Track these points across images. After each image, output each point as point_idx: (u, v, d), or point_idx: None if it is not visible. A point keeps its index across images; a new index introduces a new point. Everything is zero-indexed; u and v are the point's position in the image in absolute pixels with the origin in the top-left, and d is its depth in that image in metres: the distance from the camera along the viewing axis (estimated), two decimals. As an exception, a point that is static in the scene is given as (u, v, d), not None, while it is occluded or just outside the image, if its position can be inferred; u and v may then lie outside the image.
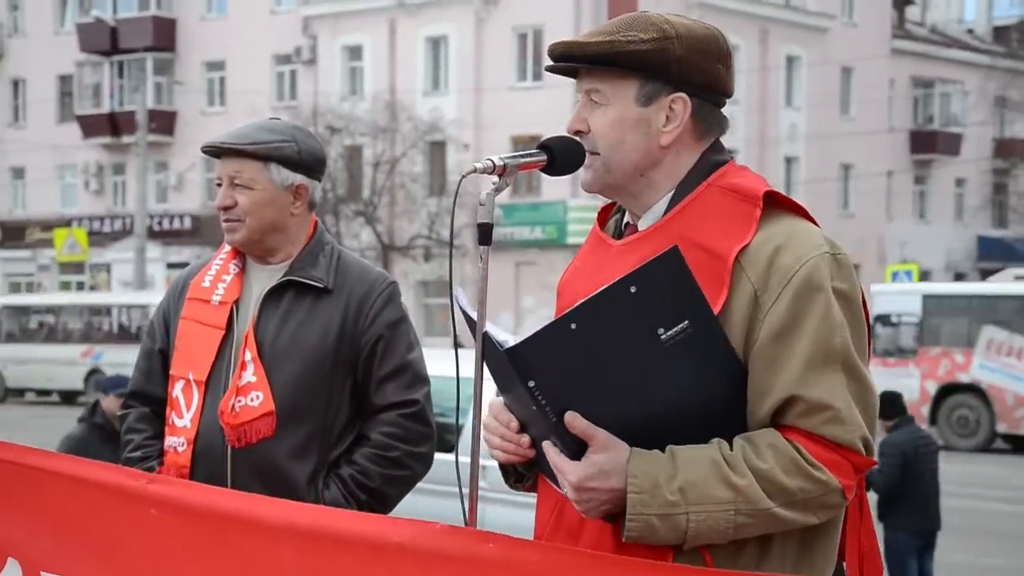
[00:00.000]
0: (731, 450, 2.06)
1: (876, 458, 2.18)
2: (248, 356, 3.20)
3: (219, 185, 3.31)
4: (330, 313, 3.24)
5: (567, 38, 2.29)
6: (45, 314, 29.53)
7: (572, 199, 32.48)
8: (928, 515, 8.04)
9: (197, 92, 39.98)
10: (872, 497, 7.92)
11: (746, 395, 2.10)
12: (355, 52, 37.74)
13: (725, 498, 2.03)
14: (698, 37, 2.22)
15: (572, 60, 2.23)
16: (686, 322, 2.03)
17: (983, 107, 42.56)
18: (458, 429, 2.57)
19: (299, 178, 3.28)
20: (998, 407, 19.69)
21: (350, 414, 3.26)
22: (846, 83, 40.35)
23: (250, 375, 3.19)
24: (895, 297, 21.23)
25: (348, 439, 3.26)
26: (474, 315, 2.17)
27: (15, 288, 43.06)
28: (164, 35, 40.38)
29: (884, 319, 20.45)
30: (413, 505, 3.76)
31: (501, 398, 2.24)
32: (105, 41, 40.69)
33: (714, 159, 2.26)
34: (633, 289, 2.00)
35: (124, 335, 27.31)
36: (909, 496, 7.91)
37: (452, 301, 2.33)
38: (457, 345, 2.35)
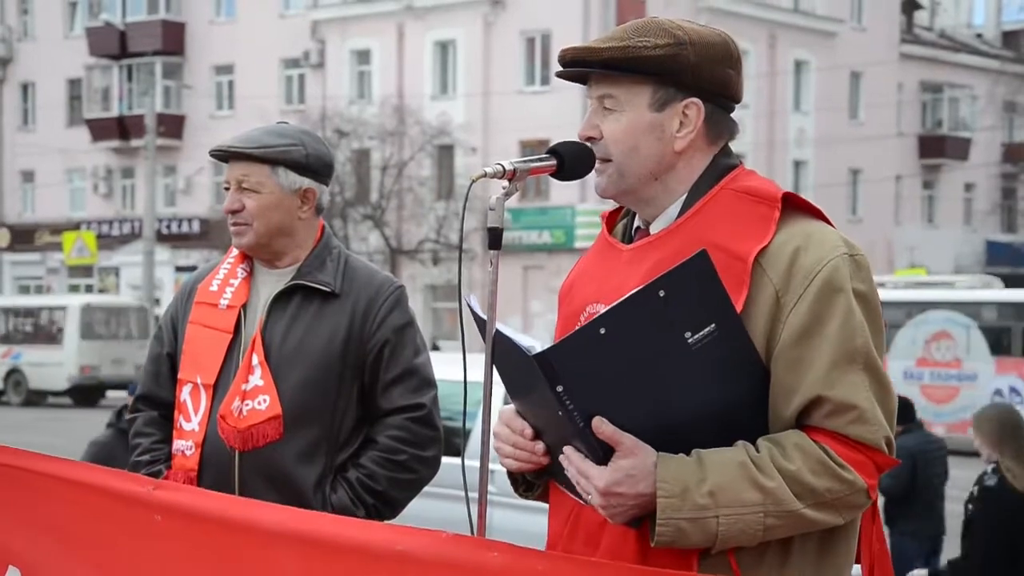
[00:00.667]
0: (757, 452, 2.06)
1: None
2: (256, 360, 3.20)
3: (227, 189, 3.31)
4: (337, 317, 3.24)
5: (577, 43, 2.29)
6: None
7: (580, 203, 32.46)
8: (935, 520, 8.03)
9: (206, 96, 40.03)
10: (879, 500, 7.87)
11: (767, 397, 2.11)
12: (363, 56, 37.78)
13: (755, 500, 2.03)
14: (710, 43, 2.23)
15: (586, 66, 2.24)
16: (712, 325, 2.04)
17: (992, 112, 42.49)
18: (465, 433, 2.57)
19: (307, 182, 3.29)
20: None
21: (357, 418, 3.26)
22: (855, 87, 40.31)
23: (257, 379, 3.19)
24: None
25: (355, 443, 3.25)
26: (484, 317, 2.17)
27: (24, 291, 43.13)
28: (173, 39, 40.45)
29: None
30: (421, 509, 3.75)
31: (511, 405, 2.23)
32: (114, 45, 40.77)
33: (725, 163, 2.27)
34: (662, 293, 2.01)
35: (43, 336, 27.87)
36: (917, 501, 7.90)
37: (460, 305, 2.32)
38: (465, 349, 2.34)
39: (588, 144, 2.25)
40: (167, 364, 3.39)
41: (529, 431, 2.18)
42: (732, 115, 2.31)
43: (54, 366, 27.05)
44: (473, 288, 23.36)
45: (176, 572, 2.36)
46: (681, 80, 2.21)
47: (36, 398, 27.54)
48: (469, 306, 2.25)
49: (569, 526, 2.23)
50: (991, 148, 44.33)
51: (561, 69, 2.29)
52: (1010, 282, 41.04)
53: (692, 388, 2.05)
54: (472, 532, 2.27)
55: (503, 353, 2.16)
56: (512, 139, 33.44)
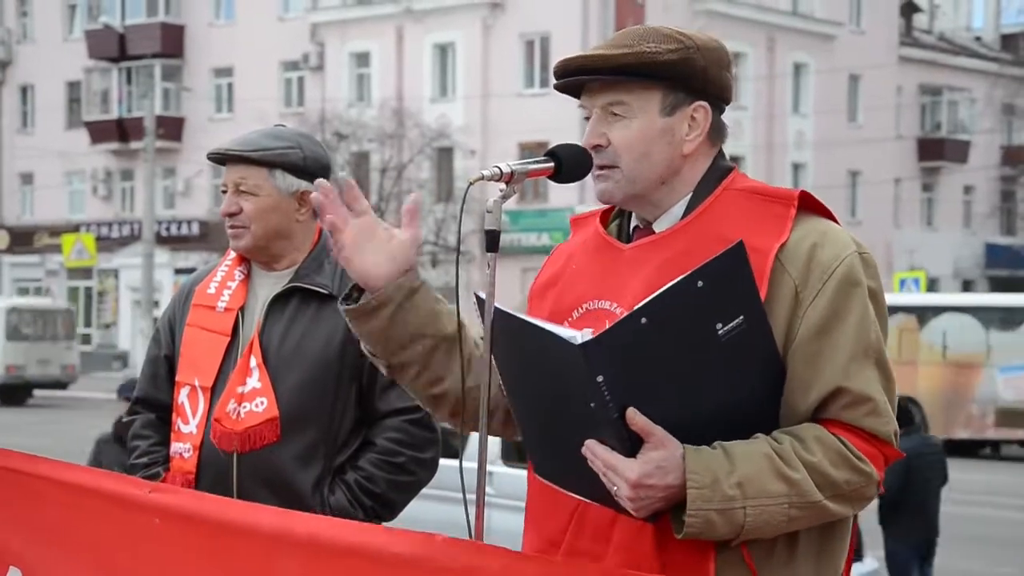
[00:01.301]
0: (779, 444, 2.08)
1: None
2: (254, 362, 3.20)
3: (224, 192, 3.31)
4: (335, 319, 3.23)
5: (575, 47, 2.31)
6: None
7: (579, 205, 32.47)
8: (928, 524, 8.03)
9: (205, 98, 40.05)
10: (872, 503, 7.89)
11: (781, 392, 2.13)
12: (362, 59, 37.80)
13: (780, 491, 2.05)
14: (713, 47, 2.27)
15: (598, 72, 2.23)
16: (741, 317, 2.06)
17: (991, 114, 42.52)
18: (463, 435, 2.57)
19: (304, 184, 3.29)
20: None
21: (355, 420, 3.25)
22: (853, 90, 40.34)
23: (255, 381, 3.19)
24: None
25: (353, 445, 3.25)
26: (508, 311, 2.17)
27: (23, 293, 43.14)
28: (172, 41, 40.47)
29: None
30: (420, 511, 3.75)
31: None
32: (113, 47, 40.79)
33: (724, 165, 2.30)
34: (700, 284, 2.02)
35: None
36: (911, 504, 7.90)
37: (458, 308, 2.32)
38: (464, 350, 2.34)
39: (593, 152, 2.25)
40: (165, 366, 3.39)
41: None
42: (724, 118, 2.34)
43: None
44: (471, 290, 23.33)
45: (175, 575, 2.36)
46: (691, 84, 2.23)
47: None
48: (477, 297, 2.25)
49: (574, 523, 2.22)
50: (990, 151, 44.35)
51: (561, 80, 2.28)
52: (1009, 285, 41.07)
53: (716, 380, 2.07)
54: (470, 534, 2.27)
55: (510, 344, 2.15)
56: (511, 142, 33.46)
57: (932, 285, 33.61)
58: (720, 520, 2.04)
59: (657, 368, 2.03)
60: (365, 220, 2.34)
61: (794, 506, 2.06)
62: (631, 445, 2.04)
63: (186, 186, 40.07)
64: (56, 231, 40.05)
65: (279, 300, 3.26)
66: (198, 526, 2.34)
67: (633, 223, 2.33)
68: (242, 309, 3.28)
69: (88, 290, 41.58)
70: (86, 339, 41.72)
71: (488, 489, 2.28)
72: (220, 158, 3.29)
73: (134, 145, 39.52)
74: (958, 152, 43.58)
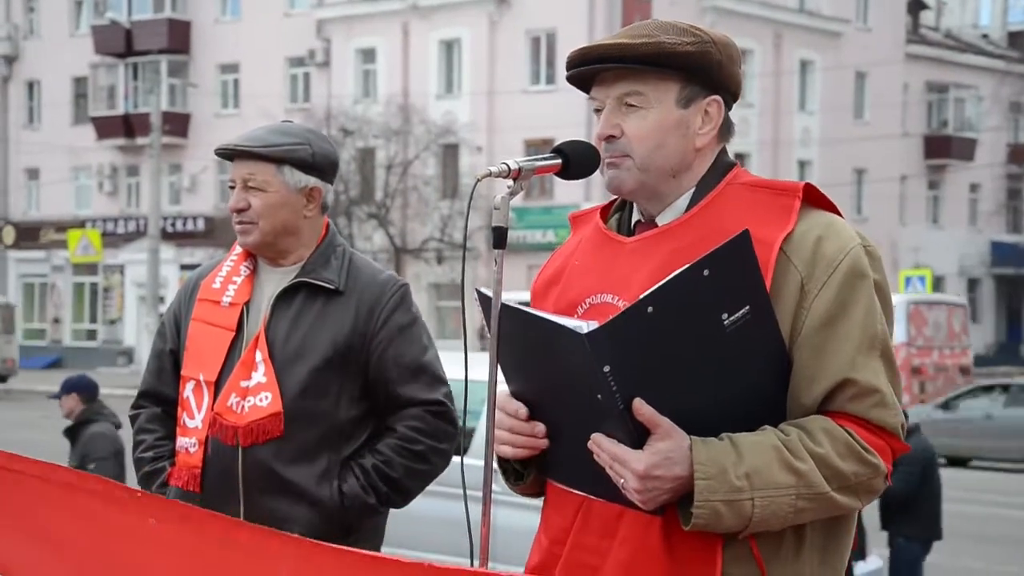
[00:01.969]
0: (786, 435, 2.08)
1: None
2: (259, 357, 3.20)
3: (232, 187, 3.31)
4: (341, 315, 3.24)
5: (582, 43, 2.29)
6: None
7: (585, 202, 32.45)
8: (936, 523, 8.03)
9: (211, 94, 40.05)
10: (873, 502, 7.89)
11: (787, 385, 2.12)
12: (368, 55, 37.78)
13: (788, 483, 2.05)
14: (726, 43, 2.27)
15: (618, 61, 2.22)
16: (747, 307, 2.05)
17: (997, 112, 42.44)
18: (466, 433, 2.56)
19: (312, 180, 3.29)
20: None
21: (361, 415, 3.26)
22: (860, 88, 40.27)
23: (260, 375, 3.20)
24: None
25: (360, 438, 3.26)
26: (514, 305, 2.16)
27: (29, 289, 43.17)
28: (178, 37, 40.47)
29: None
30: (429, 508, 3.75)
31: (505, 389, 2.22)
32: (120, 43, 40.79)
33: (727, 160, 2.31)
34: (706, 272, 2.02)
35: None
36: (924, 504, 7.89)
37: (464, 305, 2.32)
38: (467, 348, 2.34)
39: (605, 143, 2.25)
40: (170, 360, 3.39)
41: (524, 411, 2.18)
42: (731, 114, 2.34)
43: None
44: (477, 287, 23.31)
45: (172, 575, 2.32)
46: (707, 78, 2.24)
47: None
48: (479, 293, 2.24)
49: (579, 519, 2.21)
50: (996, 148, 44.27)
51: (574, 70, 2.27)
52: (1015, 283, 40.93)
53: (722, 371, 2.06)
54: (470, 533, 2.27)
55: (516, 341, 2.15)
56: (517, 138, 33.43)
57: (938, 283, 33.54)
58: (727, 511, 2.03)
59: (663, 358, 2.02)
60: None
61: (802, 497, 2.06)
62: (638, 437, 2.03)
63: (192, 182, 40.08)
64: (62, 227, 40.07)
65: (285, 295, 3.26)
66: (196, 524, 2.31)
67: (635, 217, 2.32)
68: (247, 304, 3.29)
69: (94, 286, 41.57)
70: (91, 335, 41.78)
71: (494, 486, 2.27)
72: (228, 154, 3.29)
73: (140, 141, 39.51)
74: (964, 150, 43.49)
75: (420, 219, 34.82)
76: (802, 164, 38.63)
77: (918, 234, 41.66)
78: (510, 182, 2.22)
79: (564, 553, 2.22)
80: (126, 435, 4.28)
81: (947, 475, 10.18)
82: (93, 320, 41.91)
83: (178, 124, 40.02)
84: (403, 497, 3.28)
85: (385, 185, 34.78)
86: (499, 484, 2.31)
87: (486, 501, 2.22)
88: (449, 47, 36.48)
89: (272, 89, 37.78)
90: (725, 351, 2.05)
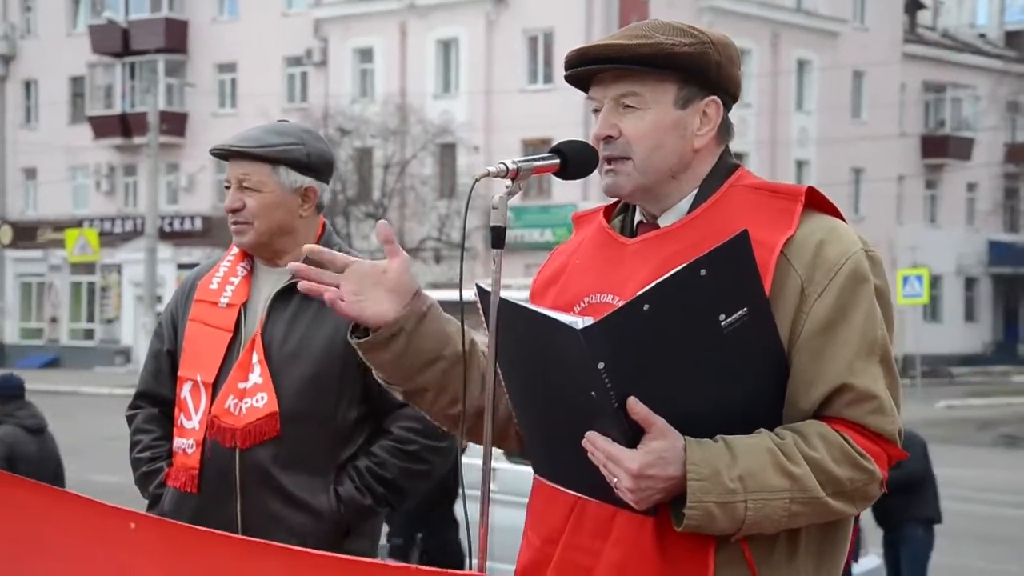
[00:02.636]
0: (781, 439, 2.07)
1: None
2: (255, 358, 3.20)
3: (228, 187, 3.31)
4: (338, 316, 3.23)
5: (579, 42, 2.28)
6: None
7: (583, 202, 32.45)
8: (937, 503, 8.00)
9: (208, 94, 40.04)
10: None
11: (784, 388, 2.11)
12: (366, 54, 37.77)
13: (782, 486, 2.04)
14: (725, 44, 2.26)
15: (617, 61, 2.22)
16: (745, 309, 2.04)
17: (994, 112, 42.45)
18: (463, 432, 2.56)
19: (308, 181, 3.28)
20: None
21: (359, 416, 3.25)
22: (857, 87, 40.28)
23: (257, 377, 3.19)
24: None
25: (358, 440, 3.25)
26: (511, 300, 2.16)
27: (26, 288, 43.15)
28: (176, 37, 40.45)
29: None
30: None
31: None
32: (117, 43, 40.76)
33: (730, 161, 2.30)
34: (703, 272, 2.01)
35: None
36: (929, 487, 7.89)
37: (462, 304, 2.32)
38: (465, 347, 2.33)
39: (603, 143, 2.24)
40: (167, 361, 3.39)
41: (341, 261, 2.28)
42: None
43: None
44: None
45: None
46: (705, 78, 2.23)
47: None
48: (478, 287, 2.24)
49: (573, 520, 2.20)
50: (994, 148, 44.29)
51: (573, 69, 2.26)
52: (1012, 282, 40.95)
53: (718, 372, 2.05)
54: (467, 530, 2.27)
55: (513, 337, 2.14)
56: (514, 138, 33.43)
57: (935, 282, 33.54)
58: (720, 513, 2.02)
59: (659, 357, 2.01)
60: (350, 272, 2.30)
61: (795, 501, 2.05)
62: (632, 436, 2.02)
63: (189, 181, 40.06)
64: (59, 226, 40.05)
65: (282, 296, 3.25)
66: (176, 529, 2.30)
67: (637, 219, 2.32)
68: (244, 305, 3.28)
69: (91, 285, 41.56)
70: (88, 334, 41.76)
71: (492, 485, 2.26)
72: (224, 154, 3.29)
73: (137, 140, 39.49)
74: (962, 149, 43.51)
75: (418, 219, 34.81)
76: (799, 164, 38.64)
77: (915, 233, 41.66)
78: (508, 182, 2.21)
79: (557, 553, 2.21)
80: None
81: (947, 475, 10.21)
82: (90, 319, 41.89)
83: (175, 123, 40.00)
84: (399, 497, 3.28)
85: (382, 185, 34.77)
86: (495, 483, 2.30)
87: (485, 501, 2.22)
88: (446, 47, 36.47)
89: (269, 88, 37.76)
90: (722, 352, 2.04)
